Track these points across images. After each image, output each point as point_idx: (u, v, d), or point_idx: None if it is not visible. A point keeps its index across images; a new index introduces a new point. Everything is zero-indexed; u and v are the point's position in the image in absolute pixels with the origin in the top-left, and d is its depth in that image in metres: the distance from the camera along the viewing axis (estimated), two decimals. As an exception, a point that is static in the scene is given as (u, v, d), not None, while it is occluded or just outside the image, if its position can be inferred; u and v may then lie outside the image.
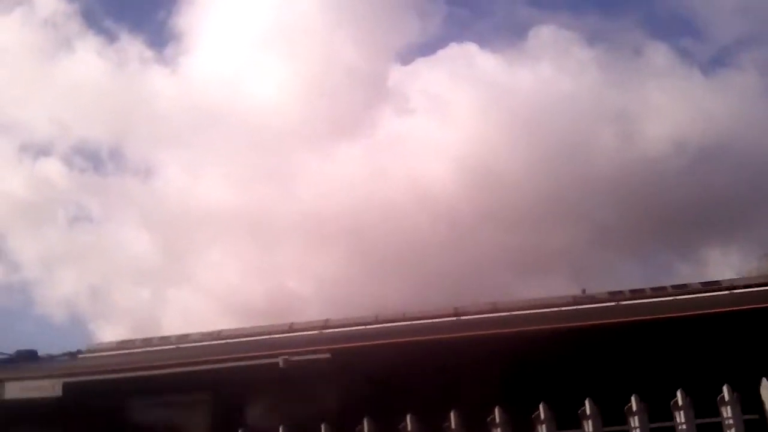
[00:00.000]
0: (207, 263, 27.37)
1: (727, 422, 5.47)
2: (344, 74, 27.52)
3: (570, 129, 23.95)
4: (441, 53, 28.33)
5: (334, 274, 26.05)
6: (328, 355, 7.18)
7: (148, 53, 33.14)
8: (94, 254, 30.02)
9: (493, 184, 24.51)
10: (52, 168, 31.83)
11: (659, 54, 27.75)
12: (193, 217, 27.58)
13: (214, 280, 27.77)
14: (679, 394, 5.58)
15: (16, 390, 7.78)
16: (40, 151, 31.48)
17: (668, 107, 25.57)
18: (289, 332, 7.94)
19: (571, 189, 23.17)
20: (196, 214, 27.61)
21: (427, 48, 38.95)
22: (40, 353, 8.88)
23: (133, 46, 33.68)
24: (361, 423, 6.02)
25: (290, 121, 28.21)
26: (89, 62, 30.54)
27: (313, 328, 7.91)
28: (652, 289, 7.57)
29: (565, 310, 7.35)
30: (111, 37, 36.75)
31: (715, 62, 32.07)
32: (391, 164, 26.37)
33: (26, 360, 8.37)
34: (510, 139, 24.85)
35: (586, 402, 5.65)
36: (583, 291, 7.84)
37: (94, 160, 34.33)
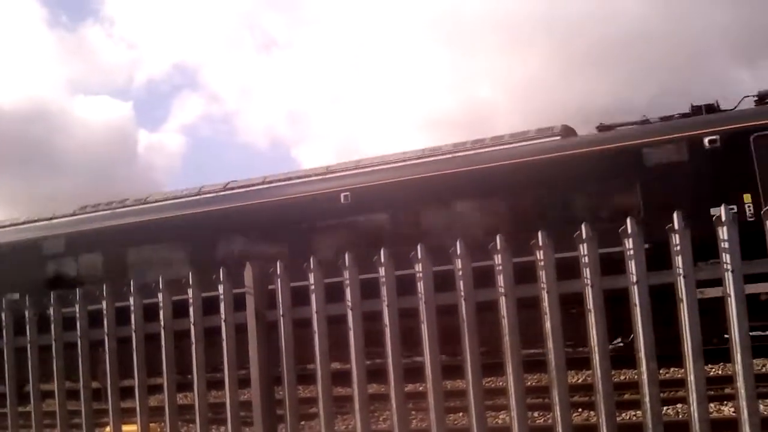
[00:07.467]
0: (398, 77, 25.84)
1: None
2: None
3: None
4: None
5: (530, 77, 23.52)
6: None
7: None
8: (287, 79, 29.77)
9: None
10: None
11: None
12: (384, 22, 26.21)
13: (407, 95, 26.12)
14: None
15: None
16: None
17: None
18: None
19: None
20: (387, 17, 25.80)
21: None
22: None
23: None
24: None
25: None
26: None
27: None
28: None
29: None
30: None
31: None
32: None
33: None
34: None
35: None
36: None
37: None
